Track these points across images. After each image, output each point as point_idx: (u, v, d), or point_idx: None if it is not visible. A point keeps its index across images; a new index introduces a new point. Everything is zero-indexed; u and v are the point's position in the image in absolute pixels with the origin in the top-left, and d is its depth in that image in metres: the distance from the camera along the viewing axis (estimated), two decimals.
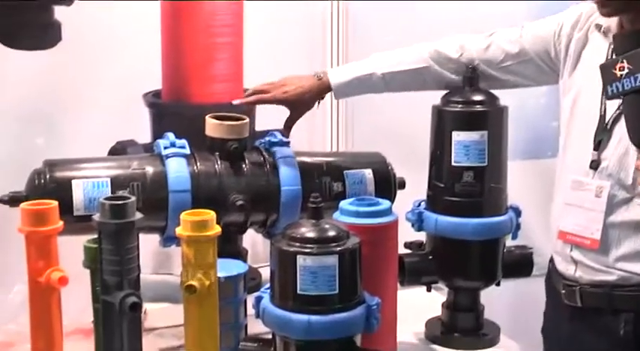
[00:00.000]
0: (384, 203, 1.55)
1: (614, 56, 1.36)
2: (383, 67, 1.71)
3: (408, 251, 1.72)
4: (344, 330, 1.30)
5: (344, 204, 1.54)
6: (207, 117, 1.74)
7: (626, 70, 1.27)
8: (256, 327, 1.43)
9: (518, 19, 1.71)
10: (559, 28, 1.57)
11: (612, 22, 1.44)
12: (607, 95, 1.32)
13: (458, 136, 1.62)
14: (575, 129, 1.52)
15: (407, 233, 1.70)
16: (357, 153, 2.05)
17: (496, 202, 1.67)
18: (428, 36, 2.33)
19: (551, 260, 1.63)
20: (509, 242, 1.73)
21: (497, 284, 1.72)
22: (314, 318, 1.27)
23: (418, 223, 1.70)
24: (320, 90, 1.73)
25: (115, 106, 2.03)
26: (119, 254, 1.23)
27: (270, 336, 1.36)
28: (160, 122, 1.93)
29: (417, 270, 1.69)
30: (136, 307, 1.23)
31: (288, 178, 1.73)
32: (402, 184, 1.86)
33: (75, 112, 2.01)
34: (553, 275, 1.61)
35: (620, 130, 1.39)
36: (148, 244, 1.61)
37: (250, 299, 1.42)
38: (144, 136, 2.01)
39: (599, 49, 1.46)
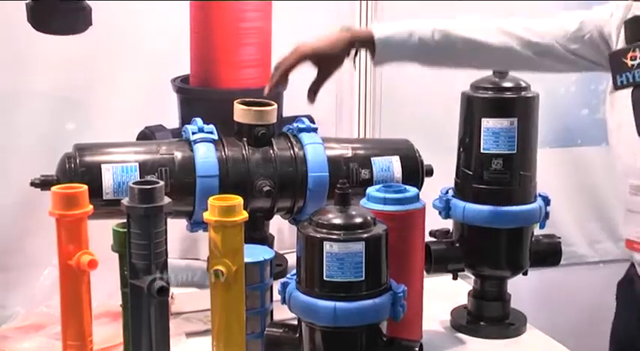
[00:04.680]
0: (412, 190, 1.55)
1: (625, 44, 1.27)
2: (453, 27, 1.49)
3: (434, 239, 1.72)
4: (370, 317, 1.30)
5: (371, 190, 1.54)
6: (235, 102, 1.74)
7: (638, 60, 1.20)
8: (282, 313, 1.43)
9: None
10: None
11: None
12: (615, 85, 1.25)
13: (487, 123, 1.61)
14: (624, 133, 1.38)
15: (434, 221, 1.69)
16: (384, 140, 2.04)
17: (525, 190, 1.65)
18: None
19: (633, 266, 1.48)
20: (538, 231, 1.71)
21: (525, 273, 1.71)
22: (340, 304, 1.27)
23: (445, 211, 1.69)
24: (351, 40, 1.45)
25: (143, 91, 2.04)
26: (147, 238, 1.24)
27: (295, 322, 1.36)
28: (188, 107, 1.94)
29: (444, 258, 1.68)
30: (164, 292, 1.24)
31: (315, 164, 1.73)
32: (430, 172, 1.85)
33: (104, 97, 2.02)
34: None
35: None
36: (175, 229, 1.62)
37: (276, 285, 1.43)
38: (172, 121, 2.02)
39: None
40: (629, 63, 1.19)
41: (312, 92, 1.49)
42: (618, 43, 1.33)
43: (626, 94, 1.29)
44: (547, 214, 1.70)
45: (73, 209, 1.33)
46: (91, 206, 1.37)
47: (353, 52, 1.46)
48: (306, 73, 2.12)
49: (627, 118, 1.29)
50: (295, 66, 1.47)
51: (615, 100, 1.34)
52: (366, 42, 1.43)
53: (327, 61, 1.46)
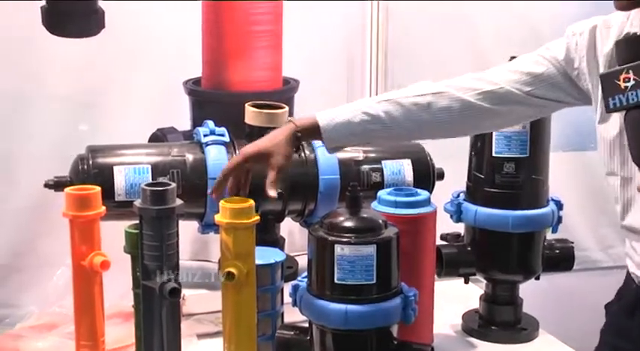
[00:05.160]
0: (423, 194, 1.54)
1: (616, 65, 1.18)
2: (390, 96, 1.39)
3: (445, 243, 1.71)
4: (381, 320, 1.30)
5: (382, 194, 1.54)
6: (246, 105, 1.74)
7: (632, 82, 1.11)
8: (293, 315, 1.43)
9: (567, 22, 1.47)
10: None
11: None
12: (607, 108, 1.15)
13: None
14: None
15: (445, 225, 1.69)
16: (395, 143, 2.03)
17: (537, 194, 1.65)
18: (469, 34, 2.32)
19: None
20: (550, 235, 1.71)
21: (537, 278, 1.70)
22: (351, 307, 1.27)
23: (457, 215, 1.69)
24: (294, 131, 1.36)
25: (155, 93, 2.04)
26: (159, 240, 1.24)
27: (306, 324, 1.36)
28: (200, 110, 1.95)
29: (455, 261, 1.68)
30: (176, 293, 1.24)
31: (326, 167, 1.73)
32: (441, 175, 1.85)
33: (117, 99, 2.03)
34: None
35: None
36: (186, 230, 1.62)
37: (287, 287, 1.43)
38: (184, 123, 2.02)
39: None
40: (622, 85, 1.12)
41: (270, 188, 1.35)
42: (598, 67, 1.29)
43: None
44: (560, 219, 1.69)
45: (86, 210, 1.34)
46: (104, 207, 1.37)
47: (297, 142, 1.38)
48: (317, 75, 2.14)
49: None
50: (237, 167, 1.36)
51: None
52: (310, 130, 1.36)
53: (273, 158, 1.35)
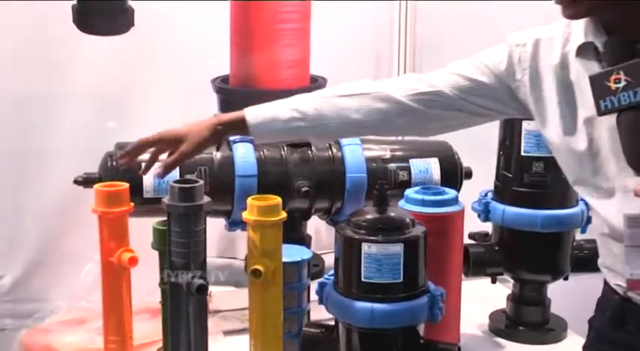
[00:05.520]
0: (450, 192, 1.54)
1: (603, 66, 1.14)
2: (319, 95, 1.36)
3: (473, 242, 1.71)
4: (407, 319, 1.29)
5: (409, 192, 1.53)
6: None
7: (624, 83, 1.08)
8: (319, 313, 1.43)
9: None
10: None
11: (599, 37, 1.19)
12: (599, 111, 1.11)
13: (528, 126, 1.59)
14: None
15: (472, 224, 1.68)
16: (423, 141, 2.02)
17: (566, 194, 1.63)
18: (496, 33, 2.29)
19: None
20: (579, 236, 1.69)
21: (566, 278, 1.68)
22: (377, 306, 1.27)
23: (484, 214, 1.68)
24: (216, 124, 1.33)
25: (183, 90, 2.06)
26: (187, 237, 1.25)
27: (332, 322, 1.36)
28: (228, 107, 1.94)
29: (483, 261, 1.67)
30: (203, 290, 1.25)
31: (353, 165, 1.73)
32: (469, 174, 1.84)
33: (145, 97, 2.04)
34: None
35: None
36: (213, 228, 1.63)
37: (313, 285, 1.43)
38: None
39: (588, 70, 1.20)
40: (613, 86, 1.08)
41: (165, 169, 1.32)
42: (541, 81, 1.24)
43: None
44: (589, 219, 1.67)
45: (114, 207, 1.35)
46: (132, 204, 1.38)
47: (219, 136, 1.34)
48: (345, 72, 2.14)
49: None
50: (153, 143, 1.35)
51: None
52: (236, 124, 1.33)
53: (183, 144, 1.32)
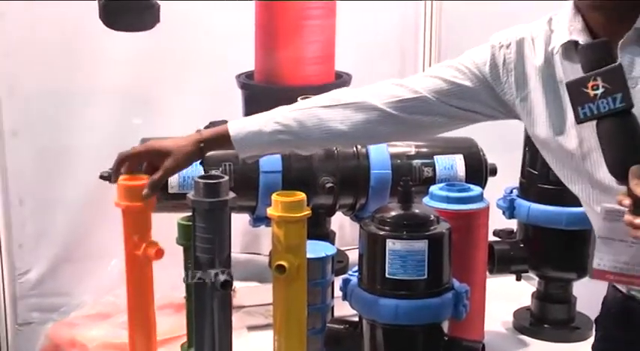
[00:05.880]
0: (475, 189, 1.53)
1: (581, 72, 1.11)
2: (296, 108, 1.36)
3: (497, 239, 1.69)
4: (432, 316, 1.29)
5: (434, 189, 1.53)
6: (298, 99, 1.74)
7: (602, 89, 1.05)
8: (343, 309, 1.43)
9: None
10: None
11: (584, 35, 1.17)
12: (578, 118, 1.08)
13: None
14: None
15: (497, 221, 1.67)
16: (447, 138, 2.00)
17: None
18: None
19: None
20: None
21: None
22: (402, 302, 1.27)
23: (509, 211, 1.67)
24: (199, 140, 1.33)
25: (208, 86, 2.06)
26: (212, 232, 1.26)
27: (356, 319, 1.36)
28: (252, 103, 1.96)
29: (507, 258, 1.66)
30: (227, 285, 1.26)
31: (378, 161, 1.72)
32: (494, 171, 1.83)
33: (170, 93, 2.05)
34: None
35: None
36: (237, 223, 1.63)
37: (337, 281, 1.43)
38: (236, 116, 2.03)
39: (573, 70, 1.19)
40: (592, 93, 1.05)
41: (151, 188, 1.32)
42: (527, 81, 1.22)
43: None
44: None
45: (137, 200, 1.36)
46: (156, 198, 1.38)
47: (202, 152, 1.33)
48: (370, 69, 2.13)
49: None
50: (135, 156, 1.35)
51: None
52: (219, 139, 1.33)
53: (167, 160, 1.32)
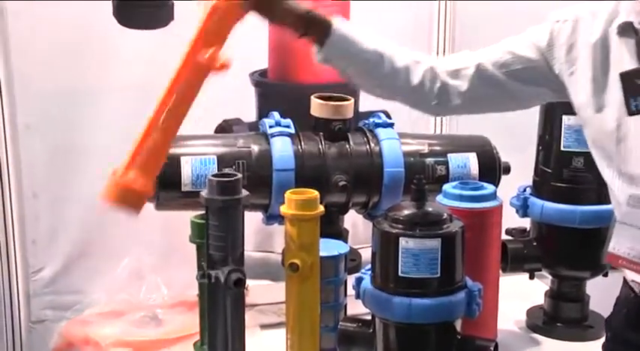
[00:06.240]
0: (488, 188, 1.52)
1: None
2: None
3: (510, 238, 1.69)
4: (445, 314, 1.28)
5: (447, 187, 1.52)
6: (312, 97, 1.74)
7: None
8: (356, 308, 1.43)
9: None
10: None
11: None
12: (629, 110, 1.10)
13: (569, 121, 1.57)
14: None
15: (511, 219, 1.66)
16: (461, 136, 2.01)
17: (605, 190, 1.60)
18: None
19: None
20: None
21: (605, 275, 1.66)
22: (415, 301, 1.26)
23: (523, 209, 1.66)
24: (305, 15, 1.29)
25: (221, 84, 2.05)
26: (225, 230, 1.26)
27: (369, 317, 1.36)
28: (266, 101, 1.95)
29: (521, 257, 1.65)
30: (240, 283, 1.26)
31: (391, 159, 1.72)
32: (507, 169, 1.82)
33: None
34: None
35: None
36: (250, 221, 1.63)
37: (350, 280, 1.43)
38: (250, 114, 2.04)
39: (626, 53, 1.21)
40: None
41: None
42: (576, 56, 1.24)
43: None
44: None
45: None
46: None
47: (302, 23, 1.29)
48: None
49: None
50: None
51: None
52: (322, 22, 1.29)
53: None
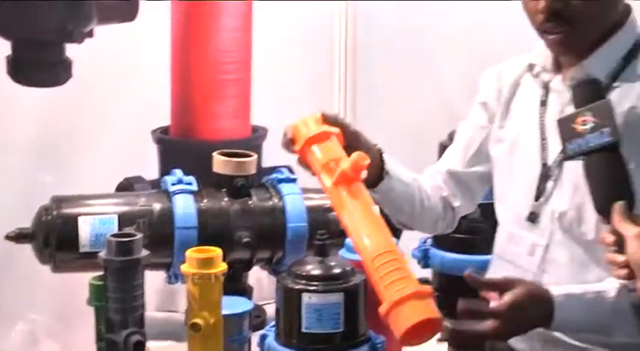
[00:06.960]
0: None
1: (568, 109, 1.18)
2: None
3: None
4: None
5: (350, 241, 1.54)
6: (214, 153, 1.74)
7: (591, 124, 1.07)
8: None
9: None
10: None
11: (547, 62, 1.30)
12: (567, 154, 1.11)
13: None
14: (513, 179, 1.36)
15: (413, 270, 1.68)
16: None
17: None
18: (437, 40, 2.37)
19: None
20: None
21: None
22: None
23: (424, 260, 1.69)
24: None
25: (123, 142, 2.04)
26: (124, 292, 1.23)
27: None
28: (168, 158, 1.94)
29: None
30: (140, 346, 1.23)
31: (294, 215, 1.73)
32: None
33: (84, 149, 2.02)
34: None
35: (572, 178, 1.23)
36: (153, 281, 1.61)
37: (255, 337, 1.41)
38: (152, 172, 2.02)
39: (532, 92, 1.31)
40: (580, 128, 1.07)
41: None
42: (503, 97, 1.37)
43: None
44: None
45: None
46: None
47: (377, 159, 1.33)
48: (287, 123, 2.15)
49: None
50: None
51: None
52: (380, 163, 1.34)
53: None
